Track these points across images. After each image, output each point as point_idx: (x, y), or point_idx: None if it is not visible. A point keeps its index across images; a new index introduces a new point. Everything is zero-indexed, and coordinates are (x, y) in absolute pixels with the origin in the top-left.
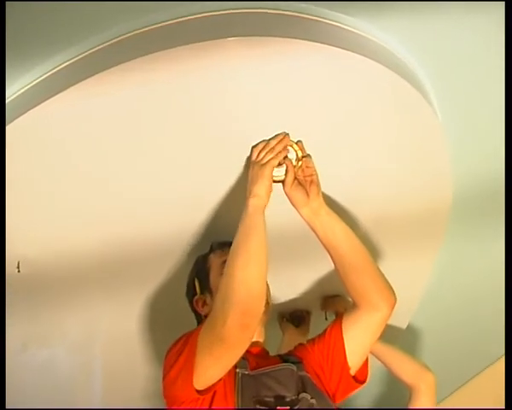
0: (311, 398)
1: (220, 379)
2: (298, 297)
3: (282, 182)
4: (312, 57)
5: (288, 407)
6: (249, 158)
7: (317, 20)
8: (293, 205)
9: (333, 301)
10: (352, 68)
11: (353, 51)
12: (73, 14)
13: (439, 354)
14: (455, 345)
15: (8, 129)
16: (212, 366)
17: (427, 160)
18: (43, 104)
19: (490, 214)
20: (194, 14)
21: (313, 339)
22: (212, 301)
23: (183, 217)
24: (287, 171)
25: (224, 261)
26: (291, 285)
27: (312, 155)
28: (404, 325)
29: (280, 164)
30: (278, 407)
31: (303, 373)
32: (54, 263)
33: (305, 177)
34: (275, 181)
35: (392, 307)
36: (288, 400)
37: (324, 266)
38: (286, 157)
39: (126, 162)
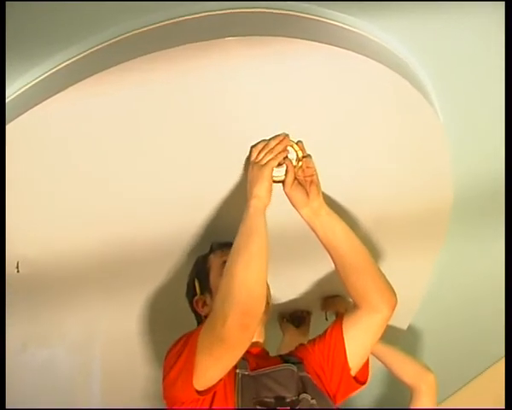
0: (312, 399)
1: (220, 380)
2: (298, 297)
3: (282, 182)
4: (313, 57)
5: (289, 408)
6: (248, 158)
7: (317, 20)
8: (294, 205)
9: (333, 301)
10: (353, 68)
11: (354, 51)
12: (72, 14)
13: (440, 354)
14: (455, 345)
15: (7, 129)
16: (212, 367)
17: (427, 160)
18: (42, 104)
19: (491, 215)
20: (194, 14)
21: (314, 340)
22: (212, 301)
23: (183, 217)
24: (287, 171)
25: (225, 262)
26: (291, 285)
27: (313, 155)
28: (404, 326)
29: (280, 164)
30: (278, 408)
31: (303, 374)
32: (54, 263)
33: (305, 177)
34: (275, 181)
35: (393, 308)
36: (288, 400)
37: (325, 267)
38: (286, 157)
39: (126, 162)
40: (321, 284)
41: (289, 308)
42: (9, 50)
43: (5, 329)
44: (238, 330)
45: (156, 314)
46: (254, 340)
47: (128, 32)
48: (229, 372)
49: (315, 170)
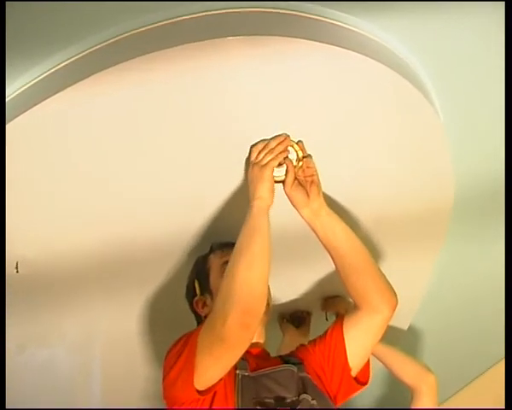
0: (312, 399)
1: (221, 380)
2: (298, 298)
3: (283, 182)
4: (313, 56)
5: (289, 408)
6: (248, 158)
7: (317, 19)
8: (294, 205)
9: (333, 301)
10: (353, 68)
11: (354, 51)
12: (71, 14)
13: (441, 354)
14: (456, 346)
15: (6, 128)
16: (213, 366)
17: (428, 160)
18: (40, 104)
19: (491, 215)
20: (193, 14)
21: (314, 340)
22: (212, 302)
23: (183, 217)
24: (287, 171)
25: (225, 262)
26: (291, 286)
27: (313, 155)
28: (405, 326)
29: (280, 164)
30: (279, 408)
31: (304, 374)
32: (53, 263)
33: (305, 177)
34: (275, 181)
35: (394, 309)
36: (288, 401)
37: (325, 267)
38: (286, 157)
39: (126, 162)
40: (321, 284)
41: (289, 309)
42: (8, 50)
43: (5, 329)
44: (239, 329)
45: (156, 314)
46: (254, 341)
47: (127, 32)
48: (229, 373)
49: (315, 170)
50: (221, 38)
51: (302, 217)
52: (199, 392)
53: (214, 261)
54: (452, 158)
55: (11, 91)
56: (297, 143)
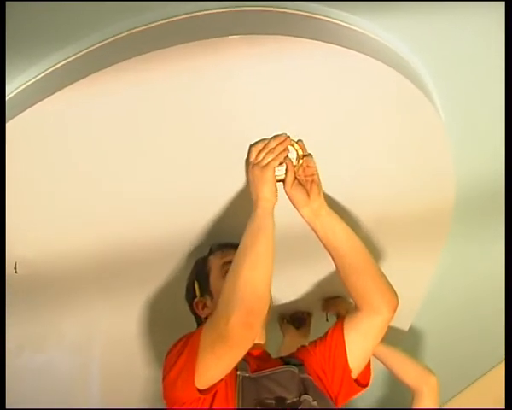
0: (313, 400)
1: (221, 380)
2: (299, 298)
3: (283, 181)
4: (313, 55)
5: (290, 409)
6: (248, 157)
7: (317, 18)
8: (294, 205)
9: (334, 302)
10: (353, 67)
11: (355, 50)
12: (69, 14)
13: (442, 355)
14: (457, 346)
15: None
16: (214, 365)
17: (429, 159)
18: (38, 104)
19: (493, 215)
20: (191, 13)
21: (315, 341)
22: (212, 303)
23: (183, 217)
24: (287, 170)
25: (225, 263)
26: (292, 286)
27: (313, 154)
28: (406, 327)
29: (280, 163)
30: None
31: (304, 375)
32: (53, 263)
33: (305, 177)
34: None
35: (394, 310)
36: (289, 402)
37: (325, 267)
38: (286, 156)
39: (125, 162)
40: (322, 284)
41: (290, 309)
42: (6, 50)
43: (5, 329)
44: (242, 328)
45: (156, 315)
46: (255, 342)
47: (125, 32)
48: (229, 374)
49: (316, 170)
50: (219, 37)
51: (302, 217)
52: (199, 391)
53: (214, 262)
54: (454, 158)
55: (9, 91)
56: (297, 142)
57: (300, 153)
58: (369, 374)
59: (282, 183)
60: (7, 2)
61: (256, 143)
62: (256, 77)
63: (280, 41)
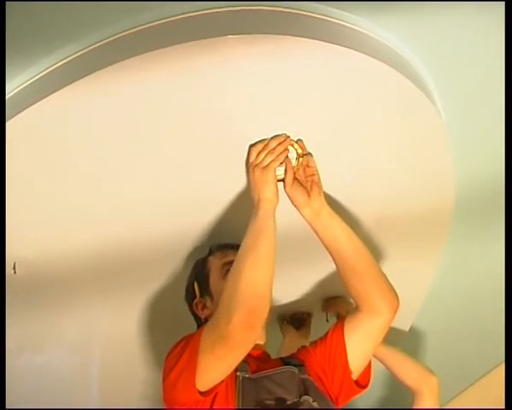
0: (314, 401)
1: (222, 381)
2: (299, 299)
3: (283, 181)
4: (313, 55)
5: None
6: (247, 158)
7: (318, 18)
8: (295, 205)
9: (334, 302)
10: (354, 67)
11: (355, 49)
12: (70, 13)
13: (442, 355)
14: (458, 347)
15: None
16: (215, 366)
17: (429, 159)
18: (38, 104)
19: (493, 215)
20: (192, 12)
21: (315, 342)
22: (212, 304)
23: (183, 217)
24: (286, 170)
25: (224, 264)
26: (292, 287)
27: (313, 154)
28: (406, 327)
29: (280, 163)
30: None
31: (305, 376)
32: (53, 264)
33: (306, 177)
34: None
35: (395, 312)
36: (289, 402)
37: (326, 268)
38: (286, 156)
39: (125, 162)
40: (322, 284)
41: (290, 310)
42: (6, 49)
43: (5, 329)
44: (243, 329)
45: (156, 316)
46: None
47: (126, 31)
48: (229, 375)
49: (316, 170)
50: (220, 36)
51: (303, 217)
52: (200, 393)
53: (214, 263)
54: (454, 158)
55: (8, 90)
56: (296, 142)
57: (300, 152)
58: (369, 375)
59: (282, 183)
60: (7, 2)
61: (256, 143)
62: (256, 77)
63: (279, 41)
